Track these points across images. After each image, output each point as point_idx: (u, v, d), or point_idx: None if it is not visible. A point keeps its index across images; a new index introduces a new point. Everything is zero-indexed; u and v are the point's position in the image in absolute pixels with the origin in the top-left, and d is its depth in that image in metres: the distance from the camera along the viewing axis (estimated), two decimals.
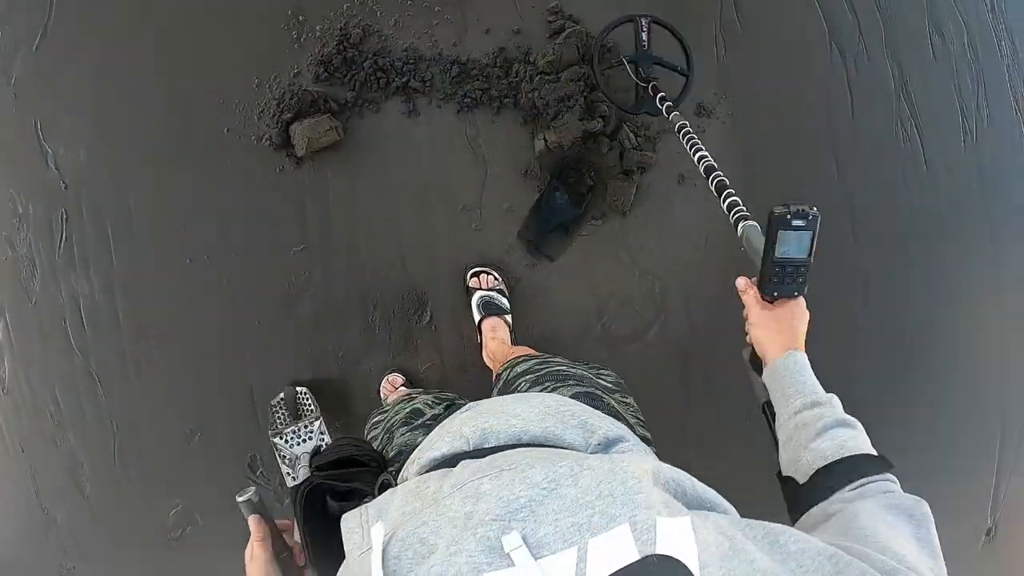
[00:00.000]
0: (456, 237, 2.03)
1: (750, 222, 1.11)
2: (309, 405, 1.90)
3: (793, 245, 0.90)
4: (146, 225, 1.97)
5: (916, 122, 2.24)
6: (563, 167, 2.07)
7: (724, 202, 1.22)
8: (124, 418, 2.03)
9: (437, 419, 1.11)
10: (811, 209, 0.88)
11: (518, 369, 1.18)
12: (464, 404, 0.88)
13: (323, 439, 1.80)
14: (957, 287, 2.31)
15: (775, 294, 0.93)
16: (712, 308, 2.14)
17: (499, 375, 1.25)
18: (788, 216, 0.88)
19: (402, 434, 1.09)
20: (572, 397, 0.92)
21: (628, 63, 1.93)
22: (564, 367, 1.12)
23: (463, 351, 2.06)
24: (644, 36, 1.95)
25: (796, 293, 0.92)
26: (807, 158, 2.20)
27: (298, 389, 1.93)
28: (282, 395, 1.92)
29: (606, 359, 2.09)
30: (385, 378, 2.03)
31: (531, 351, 1.42)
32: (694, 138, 1.52)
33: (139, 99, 1.94)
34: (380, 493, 0.64)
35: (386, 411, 1.26)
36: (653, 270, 2.13)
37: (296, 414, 1.87)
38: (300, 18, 1.97)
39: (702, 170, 1.42)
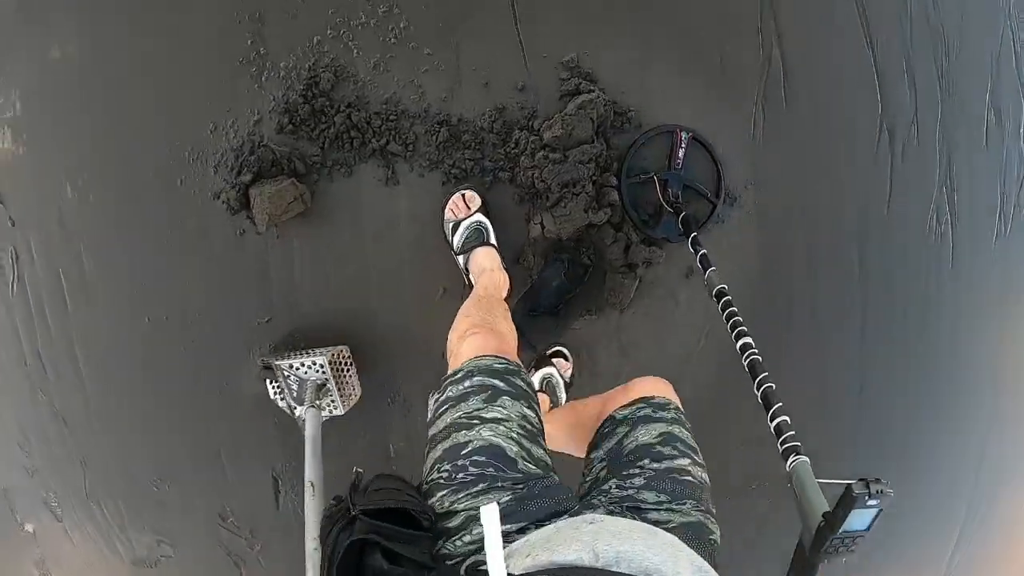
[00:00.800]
0: (434, 323, 1.84)
1: (801, 458, 0.98)
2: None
3: (858, 519, 0.83)
4: (100, 278, 1.81)
5: (952, 217, 1.95)
6: (560, 244, 1.81)
7: (771, 419, 1.08)
8: (93, 458, 2.02)
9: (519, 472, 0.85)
10: (889, 490, 0.81)
11: (640, 438, 0.99)
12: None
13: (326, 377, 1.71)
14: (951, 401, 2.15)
15: (825, 562, 0.87)
16: (701, 407, 1.99)
17: (614, 418, 1.08)
18: (866, 496, 0.80)
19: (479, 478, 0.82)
20: (684, 526, 0.86)
21: (658, 180, 1.63)
22: (688, 467, 0.95)
23: None
24: (680, 153, 1.64)
25: (844, 560, 0.88)
26: (829, 253, 1.96)
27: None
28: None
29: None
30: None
31: (658, 389, 1.13)
32: (731, 307, 1.29)
33: (86, 140, 1.69)
34: (436, 565, 0.66)
35: (474, 413, 0.90)
36: (646, 366, 1.94)
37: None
38: (261, 51, 1.65)
39: (738, 347, 1.24)
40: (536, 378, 1.82)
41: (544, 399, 1.80)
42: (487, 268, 1.62)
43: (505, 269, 1.73)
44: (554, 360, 1.87)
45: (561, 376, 1.84)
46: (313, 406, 1.68)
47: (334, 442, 1.81)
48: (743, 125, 1.84)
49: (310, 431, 1.60)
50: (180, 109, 1.67)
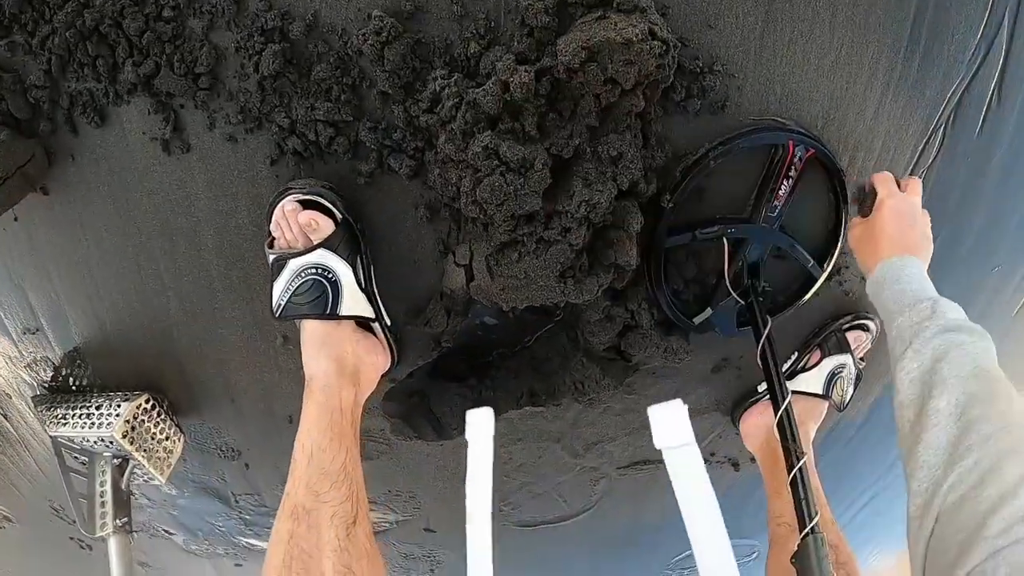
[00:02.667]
0: (272, 376, 1.11)
1: None
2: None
3: None
4: None
5: None
6: None
7: None
8: None
9: None
10: None
11: None
12: None
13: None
14: None
15: None
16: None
17: None
18: None
19: None
20: None
21: (728, 240, 0.78)
22: None
23: None
24: (785, 187, 0.77)
25: None
26: None
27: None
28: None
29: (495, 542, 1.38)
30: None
31: None
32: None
33: None
34: None
35: None
36: (600, 468, 1.21)
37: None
38: None
39: None
40: (816, 376, 1.13)
41: (814, 408, 1.15)
42: (320, 374, 0.85)
43: (388, 337, 0.95)
44: (851, 335, 1.14)
45: (857, 364, 1.15)
46: (120, 529, 1.08)
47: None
48: (912, 133, 0.88)
49: (117, 563, 1.03)
50: None
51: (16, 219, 0.99)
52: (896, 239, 0.87)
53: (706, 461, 1.32)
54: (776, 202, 0.91)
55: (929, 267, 0.90)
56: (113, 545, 1.06)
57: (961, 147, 1.00)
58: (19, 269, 1.04)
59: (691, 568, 1.67)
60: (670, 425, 0.72)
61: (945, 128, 0.98)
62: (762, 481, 1.17)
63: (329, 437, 0.81)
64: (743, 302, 0.95)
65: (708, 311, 0.98)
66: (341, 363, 0.87)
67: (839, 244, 1.00)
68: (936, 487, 0.60)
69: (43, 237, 1.00)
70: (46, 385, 1.19)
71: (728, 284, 0.95)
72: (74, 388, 1.18)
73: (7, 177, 0.87)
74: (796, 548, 0.79)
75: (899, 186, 0.93)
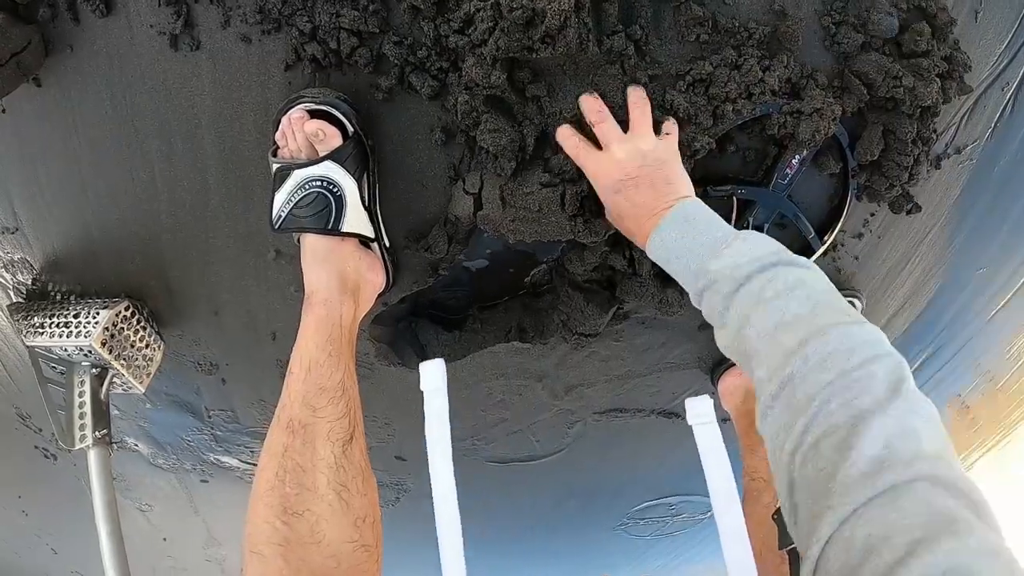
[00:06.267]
0: (260, 292, 1.10)
1: None
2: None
3: None
4: None
5: None
6: None
7: None
8: None
9: None
10: None
11: None
12: None
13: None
14: None
15: None
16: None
17: None
18: None
19: None
20: None
21: (738, 200, 0.79)
22: None
23: None
24: (797, 159, 0.78)
25: None
26: None
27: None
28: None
29: (464, 476, 1.43)
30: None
31: None
32: None
33: None
34: None
35: None
36: (577, 412, 1.25)
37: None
38: None
39: None
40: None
41: None
42: (322, 287, 0.84)
43: (387, 258, 0.95)
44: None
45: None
46: (100, 440, 1.05)
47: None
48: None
49: (97, 475, 1.01)
50: None
51: (4, 110, 0.93)
52: (633, 212, 0.76)
53: (678, 416, 1.38)
54: (788, 170, 0.92)
55: (917, 259, 0.93)
56: (93, 457, 1.05)
57: (969, 149, 1.03)
58: (2, 163, 0.99)
59: (648, 519, 1.74)
60: (700, 410, 0.89)
61: (957, 128, 1.01)
62: (730, 440, 1.22)
63: (328, 352, 0.81)
64: None
65: None
66: (343, 278, 0.86)
67: (840, 221, 1.02)
68: (780, 456, 0.55)
69: (32, 131, 0.94)
70: (23, 291, 1.15)
71: None
72: (52, 295, 1.14)
73: (0, 64, 0.82)
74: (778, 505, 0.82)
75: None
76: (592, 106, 0.78)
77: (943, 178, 1.07)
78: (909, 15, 0.89)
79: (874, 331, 0.56)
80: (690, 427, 1.34)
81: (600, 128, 0.78)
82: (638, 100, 0.79)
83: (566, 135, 0.79)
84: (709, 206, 0.99)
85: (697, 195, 0.94)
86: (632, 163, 0.76)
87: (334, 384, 0.79)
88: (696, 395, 1.28)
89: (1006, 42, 0.94)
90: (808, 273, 0.62)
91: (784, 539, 0.78)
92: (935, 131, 0.98)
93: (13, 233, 1.07)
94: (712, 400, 0.87)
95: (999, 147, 1.05)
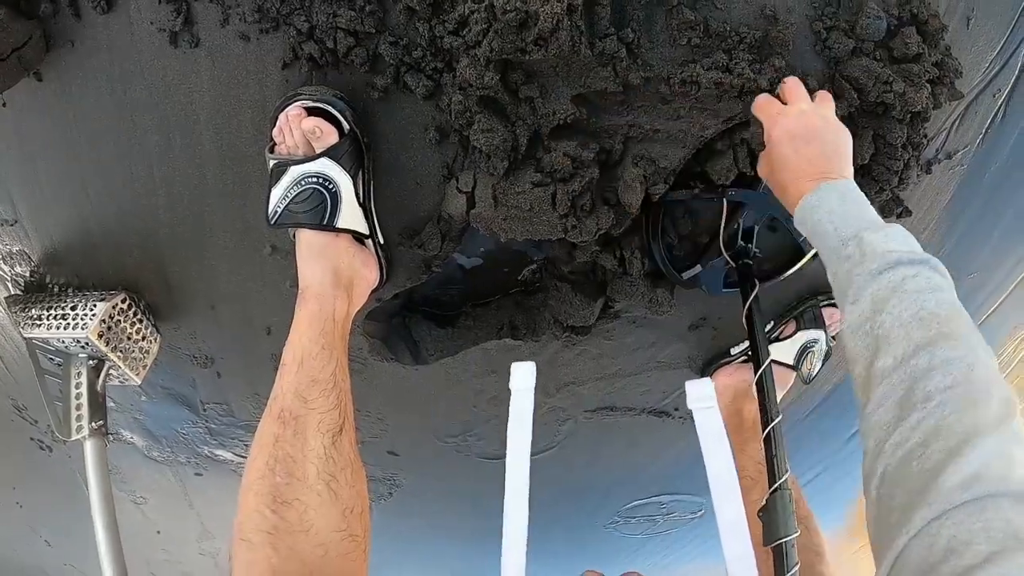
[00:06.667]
0: (256, 287, 1.11)
1: None
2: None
3: None
4: None
5: None
6: None
7: None
8: None
9: None
10: None
11: None
12: None
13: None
14: None
15: None
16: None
17: None
18: None
19: None
20: None
21: (728, 202, 0.80)
22: None
23: None
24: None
25: None
26: None
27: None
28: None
29: (456, 472, 1.44)
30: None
31: None
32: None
33: None
34: None
35: None
36: (568, 409, 1.26)
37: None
38: None
39: None
40: (789, 346, 1.19)
41: (782, 376, 1.20)
42: (316, 282, 0.85)
43: (381, 254, 0.96)
44: (827, 312, 1.20)
45: (828, 341, 1.20)
46: (96, 431, 1.06)
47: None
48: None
49: (94, 467, 1.02)
50: None
51: (4, 104, 0.94)
52: (797, 165, 0.76)
53: (668, 415, 1.39)
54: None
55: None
56: (89, 448, 1.06)
57: (960, 155, 1.05)
58: (2, 157, 1.00)
59: (639, 518, 1.75)
60: (701, 393, 0.87)
61: (948, 134, 1.02)
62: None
63: (320, 345, 0.82)
64: (734, 264, 0.98)
65: (697, 268, 1.01)
66: (337, 273, 0.88)
67: None
68: (881, 446, 0.57)
69: (32, 125, 0.96)
70: (21, 283, 1.16)
71: (722, 245, 0.98)
72: (49, 287, 1.15)
73: (2, 59, 0.84)
74: (764, 503, 0.83)
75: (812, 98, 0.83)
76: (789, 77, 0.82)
77: (934, 183, 1.08)
78: (900, 21, 0.90)
79: (993, 355, 0.59)
80: (681, 424, 1.36)
81: (790, 85, 0.82)
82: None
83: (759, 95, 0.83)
84: (698, 207, 1.01)
85: (687, 197, 0.96)
86: (815, 119, 0.78)
87: (326, 377, 0.80)
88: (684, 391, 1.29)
89: (997, 49, 0.95)
90: (947, 283, 0.64)
91: (769, 536, 0.80)
92: (926, 136, 0.99)
93: (12, 225, 1.09)
94: (713, 384, 0.86)
95: (990, 153, 1.06)
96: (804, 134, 0.76)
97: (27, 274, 1.16)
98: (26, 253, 1.13)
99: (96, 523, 1.00)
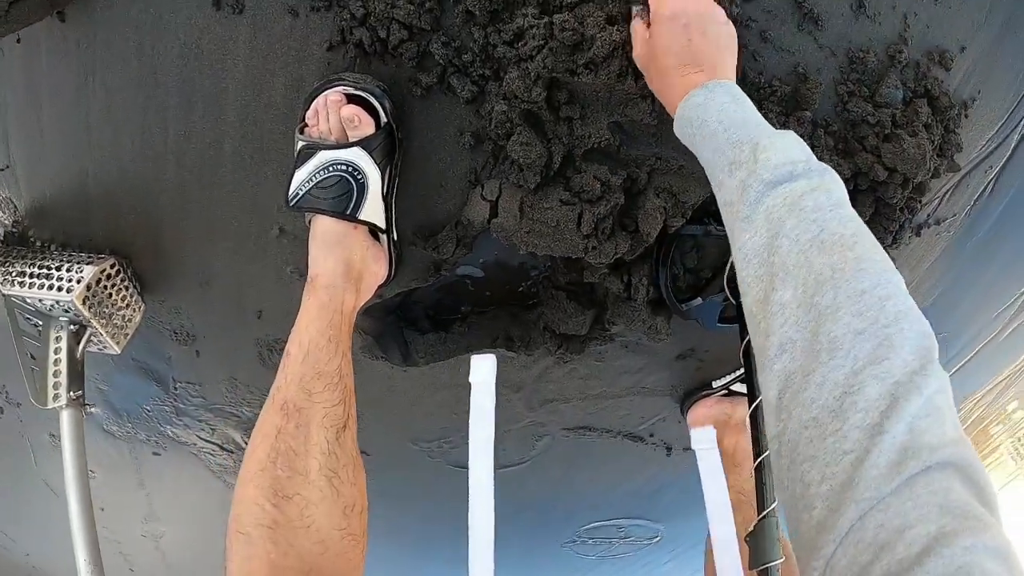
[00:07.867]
0: (254, 272, 1.09)
1: None
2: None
3: None
4: None
5: None
6: None
7: None
8: None
9: None
10: None
11: None
12: None
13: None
14: None
15: None
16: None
17: None
18: None
19: None
20: None
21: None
22: None
23: None
24: None
25: None
26: None
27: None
28: None
29: (427, 478, 1.47)
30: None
31: None
32: None
33: None
34: None
35: None
36: (547, 425, 1.28)
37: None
38: None
39: None
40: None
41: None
42: (327, 272, 0.84)
43: (392, 251, 0.95)
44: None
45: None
46: (74, 401, 1.01)
47: None
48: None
49: (69, 439, 0.96)
50: None
51: (19, 40, 0.90)
52: (685, 53, 0.67)
53: (643, 441, 1.42)
54: None
55: None
56: (65, 418, 1.01)
57: (948, 222, 1.12)
58: (4, 93, 0.95)
59: (596, 539, 1.77)
60: (705, 437, 1.05)
61: (940, 202, 1.09)
62: (687, 471, 1.27)
63: (327, 337, 0.81)
64: (735, 301, 1.01)
65: (698, 300, 1.04)
66: (349, 266, 0.87)
67: None
68: (783, 403, 0.49)
69: (44, 66, 0.92)
70: (1, 235, 1.10)
71: (725, 281, 1.02)
72: (31, 240, 1.10)
73: None
74: (752, 528, 0.86)
75: None
76: None
77: (920, 245, 1.14)
78: (915, 93, 0.95)
79: (900, 275, 0.51)
80: (653, 450, 1.39)
81: None
82: None
83: None
84: (706, 243, 1.04)
85: (698, 232, 0.99)
86: (710, 4, 0.70)
87: (332, 370, 0.79)
88: (664, 422, 1.33)
89: (996, 128, 1.02)
90: (846, 196, 0.56)
91: (756, 559, 0.82)
92: (920, 202, 1.05)
93: (2, 171, 1.04)
94: (715, 431, 1.01)
95: (975, 224, 1.13)
96: (698, 20, 0.67)
97: (8, 223, 1.11)
98: (12, 201, 1.07)
99: (70, 496, 0.95)
